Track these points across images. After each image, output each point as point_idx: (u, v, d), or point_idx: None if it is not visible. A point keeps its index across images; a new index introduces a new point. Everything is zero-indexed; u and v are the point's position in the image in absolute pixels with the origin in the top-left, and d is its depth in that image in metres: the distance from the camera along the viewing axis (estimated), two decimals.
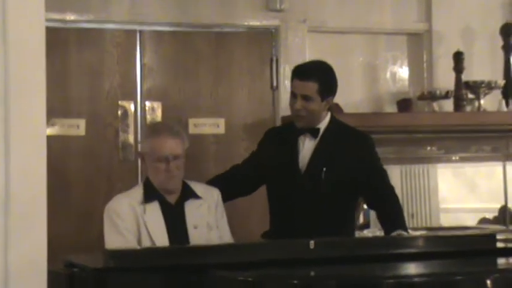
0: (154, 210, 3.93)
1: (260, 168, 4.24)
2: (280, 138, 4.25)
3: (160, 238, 3.87)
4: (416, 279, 2.96)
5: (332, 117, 4.18)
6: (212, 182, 4.24)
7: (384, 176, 4.14)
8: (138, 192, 4.00)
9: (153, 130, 4.08)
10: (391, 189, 4.14)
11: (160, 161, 3.90)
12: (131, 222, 3.90)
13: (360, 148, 4.13)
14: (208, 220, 4.02)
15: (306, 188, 4.07)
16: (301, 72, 4.08)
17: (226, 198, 4.21)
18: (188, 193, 4.02)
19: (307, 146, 4.12)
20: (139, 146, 4.08)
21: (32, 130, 2.79)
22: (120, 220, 3.89)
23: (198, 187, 4.08)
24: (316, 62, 4.19)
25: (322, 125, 4.13)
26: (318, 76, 4.04)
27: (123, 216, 3.90)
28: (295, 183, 4.08)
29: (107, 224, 3.94)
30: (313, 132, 4.11)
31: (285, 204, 4.14)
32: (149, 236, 3.88)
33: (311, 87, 4.02)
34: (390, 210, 4.06)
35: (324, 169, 4.03)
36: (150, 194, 3.96)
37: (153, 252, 3.35)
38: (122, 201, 3.97)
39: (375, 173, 4.11)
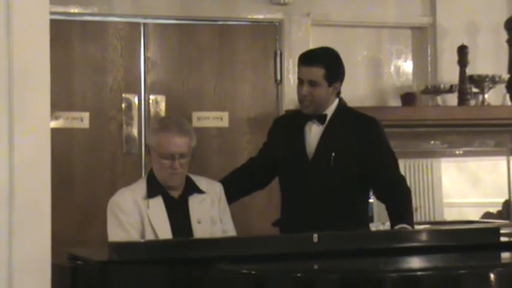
0: (158, 205, 3.93)
1: (272, 156, 4.23)
2: (287, 125, 4.23)
3: (164, 233, 3.87)
4: (419, 273, 2.96)
5: (340, 104, 4.15)
6: (228, 177, 4.24)
7: (391, 165, 4.06)
8: (141, 186, 3.99)
9: (162, 125, 4.00)
10: (400, 179, 4.05)
11: (166, 157, 3.89)
12: (134, 217, 3.89)
13: (368, 133, 4.07)
14: (211, 214, 4.02)
15: (315, 174, 4.03)
16: (307, 57, 4.08)
17: (243, 192, 4.21)
18: (191, 188, 4.02)
19: (314, 132, 4.09)
20: (146, 137, 4.06)
21: (36, 124, 2.80)
22: (124, 215, 3.89)
23: (201, 181, 4.07)
24: (322, 48, 4.18)
25: (330, 111, 4.10)
26: (324, 61, 4.03)
27: (127, 211, 3.90)
28: (303, 170, 4.05)
29: (110, 219, 3.94)
30: (321, 118, 4.09)
31: (295, 192, 4.12)
32: (153, 231, 3.88)
33: (317, 73, 4.01)
34: (397, 203, 3.97)
35: (333, 154, 4.00)
36: (154, 188, 3.95)
37: (157, 245, 3.35)
38: (125, 196, 3.96)
39: (383, 161, 4.04)
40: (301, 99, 4.09)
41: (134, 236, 3.85)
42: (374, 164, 4.01)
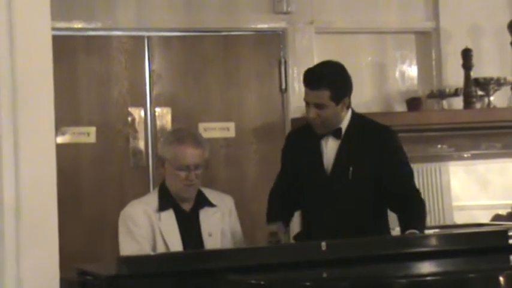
0: (169, 217, 3.94)
1: (294, 177, 4.13)
2: (302, 140, 4.13)
3: (176, 246, 3.88)
4: (428, 278, 2.95)
5: (353, 115, 4.06)
6: (276, 213, 4.13)
7: (406, 177, 4.01)
8: (153, 199, 4.00)
9: (177, 137, 4.04)
10: (414, 192, 4.00)
11: (182, 169, 3.92)
12: (146, 229, 3.91)
13: (386, 146, 4.01)
14: (222, 227, 4.03)
15: (334, 188, 3.98)
16: (311, 80, 3.95)
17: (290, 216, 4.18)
18: (202, 201, 4.03)
19: (330, 147, 4.02)
20: (159, 150, 4.06)
21: (41, 139, 2.81)
22: (136, 227, 3.90)
23: (212, 194, 4.09)
24: (324, 67, 4.03)
25: (344, 125, 4.02)
26: (328, 83, 3.90)
27: (139, 223, 3.91)
28: (322, 185, 4.00)
29: (122, 231, 3.95)
30: (335, 132, 4.01)
31: (314, 206, 4.06)
32: (164, 244, 3.89)
33: (323, 96, 3.91)
34: (409, 213, 3.92)
35: (351, 168, 3.95)
36: (166, 201, 3.97)
37: (165, 257, 3.35)
38: (137, 208, 3.98)
39: (399, 173, 3.99)
40: (310, 121, 4.01)
41: (146, 247, 3.87)
42: (389, 177, 3.96)
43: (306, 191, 4.10)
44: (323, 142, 4.04)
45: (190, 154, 3.94)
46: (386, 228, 4.14)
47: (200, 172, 3.96)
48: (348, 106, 4.04)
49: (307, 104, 3.98)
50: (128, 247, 3.89)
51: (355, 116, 4.09)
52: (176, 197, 3.98)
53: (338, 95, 3.93)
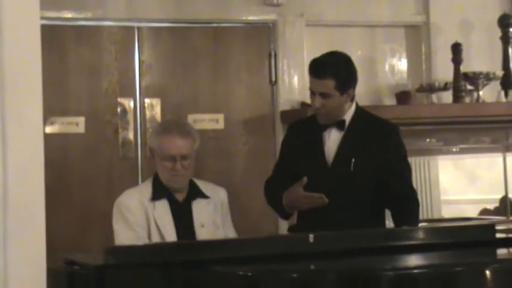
0: (163, 207, 3.96)
1: (291, 169, 4.12)
2: (304, 131, 4.15)
3: (170, 235, 3.91)
4: (415, 271, 2.96)
5: (358, 108, 4.09)
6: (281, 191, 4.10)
7: (405, 173, 4.04)
8: (147, 188, 4.03)
9: (163, 127, 4.08)
10: (411, 192, 4.04)
11: (167, 159, 3.93)
12: (141, 218, 3.93)
13: (388, 142, 4.03)
14: (214, 219, 4.05)
15: (334, 179, 3.98)
16: (316, 69, 3.97)
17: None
18: (195, 192, 4.05)
19: (333, 138, 4.03)
20: (148, 140, 4.08)
21: (29, 128, 2.80)
22: (131, 215, 3.93)
23: (206, 186, 4.10)
24: (330, 56, 4.05)
25: (348, 116, 4.03)
26: (334, 72, 3.92)
27: (134, 211, 3.94)
28: (323, 176, 3.99)
29: (117, 219, 3.97)
30: (339, 124, 4.02)
31: None
32: (159, 232, 3.91)
33: (327, 85, 3.93)
34: (402, 211, 3.97)
35: (353, 160, 3.95)
36: (159, 191, 3.99)
37: (153, 248, 3.35)
38: (132, 197, 4.01)
39: (397, 170, 4.00)
40: (315, 111, 4.04)
41: (142, 235, 3.90)
42: (388, 172, 3.97)
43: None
44: (325, 134, 4.04)
45: (176, 144, 3.94)
46: (384, 223, 4.14)
47: (188, 163, 3.96)
48: (353, 98, 4.06)
49: (312, 93, 4.00)
50: (124, 235, 3.91)
51: (359, 109, 4.11)
52: (167, 186, 4.00)
53: (343, 85, 3.95)
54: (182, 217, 3.97)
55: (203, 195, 4.05)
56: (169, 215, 3.95)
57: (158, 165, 4.00)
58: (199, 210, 4.01)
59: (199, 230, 3.97)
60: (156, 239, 3.89)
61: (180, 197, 4.02)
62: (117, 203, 4.00)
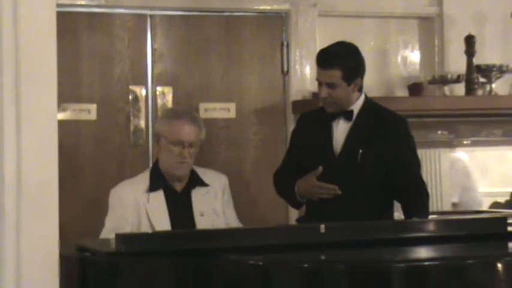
0: (158, 198, 3.96)
1: (300, 161, 4.13)
2: (313, 122, 4.15)
3: (162, 227, 3.90)
4: (427, 263, 2.96)
5: (366, 99, 4.09)
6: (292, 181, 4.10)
7: (413, 167, 4.04)
8: (144, 179, 4.03)
9: (174, 113, 4.12)
10: (419, 182, 4.03)
11: (176, 144, 3.93)
12: (131, 211, 3.94)
13: (396, 133, 4.04)
14: (214, 207, 4.04)
15: (342, 170, 3.98)
16: (322, 60, 3.99)
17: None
18: (195, 181, 4.05)
19: (341, 129, 4.03)
20: (156, 126, 4.09)
21: (43, 116, 2.81)
22: (121, 207, 3.95)
23: (206, 174, 4.10)
24: (338, 46, 4.06)
25: (356, 107, 4.04)
26: (340, 62, 3.94)
27: (124, 204, 3.95)
28: (330, 166, 3.99)
29: (109, 209, 4.04)
30: (347, 114, 4.03)
31: None
32: (150, 225, 3.91)
33: (334, 75, 3.94)
34: (412, 203, 3.97)
35: (361, 151, 3.95)
36: (156, 182, 3.99)
37: (165, 236, 3.36)
38: (126, 189, 4.03)
39: (406, 162, 4.01)
40: (322, 100, 4.04)
41: (126, 229, 3.87)
42: (396, 164, 3.97)
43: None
44: (334, 124, 4.05)
45: (186, 130, 3.96)
46: (391, 214, 4.14)
47: (194, 151, 3.97)
48: (360, 88, 4.06)
49: (320, 83, 4.01)
50: (108, 225, 3.97)
51: (368, 100, 4.11)
52: (168, 176, 3.99)
53: (350, 75, 3.96)
54: (180, 207, 3.98)
55: (203, 183, 4.05)
56: (163, 207, 3.96)
57: (163, 150, 4.00)
58: (199, 199, 4.02)
59: (199, 219, 3.98)
60: (146, 230, 3.89)
61: (178, 186, 4.02)
62: (110, 193, 4.05)
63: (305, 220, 4.18)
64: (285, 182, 4.15)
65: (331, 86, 3.95)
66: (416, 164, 4.08)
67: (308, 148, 4.10)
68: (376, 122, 4.05)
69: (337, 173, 3.99)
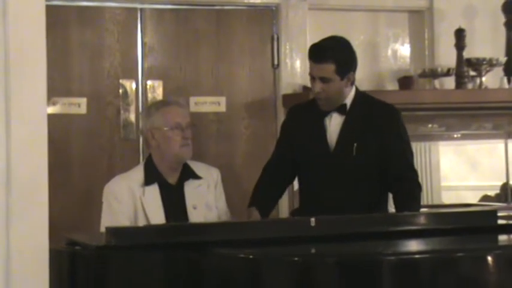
0: (153, 192, 3.96)
1: (291, 154, 4.13)
2: (305, 116, 4.14)
3: (158, 220, 3.90)
4: (417, 256, 2.97)
5: (357, 92, 4.08)
6: (260, 193, 4.14)
7: (405, 157, 4.03)
8: (138, 173, 4.02)
9: (160, 103, 4.19)
10: (411, 173, 4.03)
11: (175, 128, 3.94)
12: (128, 206, 3.93)
13: (389, 123, 4.04)
14: (207, 200, 4.04)
15: (337, 164, 3.98)
16: (316, 54, 3.97)
17: (277, 198, 4.21)
18: (188, 173, 4.05)
19: (334, 123, 4.03)
20: (146, 123, 4.08)
21: (33, 108, 2.80)
22: (117, 202, 3.94)
23: (198, 167, 4.10)
24: (330, 40, 4.05)
25: (348, 100, 4.04)
26: (333, 56, 3.93)
27: (120, 198, 3.95)
28: (325, 161, 4.00)
29: (104, 204, 4.01)
30: (340, 108, 4.03)
31: (315, 183, 4.07)
32: (146, 219, 3.91)
33: (327, 69, 3.93)
34: (404, 194, 3.97)
35: (355, 144, 3.96)
36: (151, 175, 3.99)
37: (155, 229, 3.35)
38: (120, 183, 4.02)
39: (398, 152, 4.01)
40: (315, 96, 4.03)
41: (124, 223, 3.86)
42: (388, 154, 3.98)
43: (307, 167, 4.10)
44: (327, 119, 4.05)
45: (180, 112, 4.01)
46: (386, 207, 4.14)
47: (191, 132, 3.99)
48: (353, 82, 4.06)
49: (313, 78, 4.00)
50: (106, 222, 3.91)
51: (359, 93, 4.11)
52: (166, 167, 4.02)
53: (343, 69, 3.95)
54: (174, 200, 3.98)
55: (195, 176, 4.05)
56: (159, 201, 3.96)
57: (163, 142, 3.99)
58: (192, 191, 4.02)
59: (192, 211, 3.98)
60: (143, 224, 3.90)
61: (172, 180, 4.02)
62: (105, 190, 4.03)
63: (299, 213, 4.18)
64: (256, 192, 4.16)
65: (324, 80, 3.94)
66: (409, 153, 4.08)
67: (301, 143, 4.10)
68: (370, 114, 4.05)
69: (332, 167, 4.00)
